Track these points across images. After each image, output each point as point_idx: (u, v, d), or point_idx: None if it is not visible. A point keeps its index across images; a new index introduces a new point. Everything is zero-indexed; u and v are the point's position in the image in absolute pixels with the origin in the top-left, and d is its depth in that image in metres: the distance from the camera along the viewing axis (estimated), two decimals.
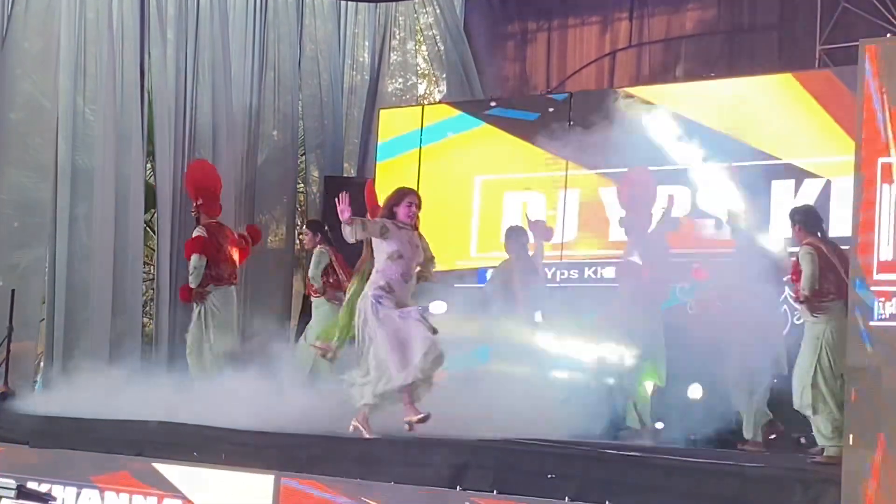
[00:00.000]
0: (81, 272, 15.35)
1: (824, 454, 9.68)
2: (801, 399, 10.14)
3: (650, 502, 8.73)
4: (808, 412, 10.06)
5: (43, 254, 15.51)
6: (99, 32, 15.91)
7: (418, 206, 10.93)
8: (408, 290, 10.78)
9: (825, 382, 10.01)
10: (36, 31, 15.62)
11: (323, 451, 10.26)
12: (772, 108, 12.98)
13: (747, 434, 11.72)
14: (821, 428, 9.97)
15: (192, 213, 13.60)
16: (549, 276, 14.08)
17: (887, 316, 7.93)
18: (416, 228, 10.99)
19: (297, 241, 13.36)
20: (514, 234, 13.35)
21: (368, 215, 13.11)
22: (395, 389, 10.35)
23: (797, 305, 10.56)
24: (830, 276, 10.30)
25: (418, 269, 10.97)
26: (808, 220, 10.85)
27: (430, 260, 11.12)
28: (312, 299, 13.70)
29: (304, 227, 13.93)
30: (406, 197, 11.01)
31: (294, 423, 10.87)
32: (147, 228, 16.13)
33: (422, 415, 10.22)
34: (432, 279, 11.32)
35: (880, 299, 8.02)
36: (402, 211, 10.88)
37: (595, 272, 14.35)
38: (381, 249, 10.75)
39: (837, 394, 9.82)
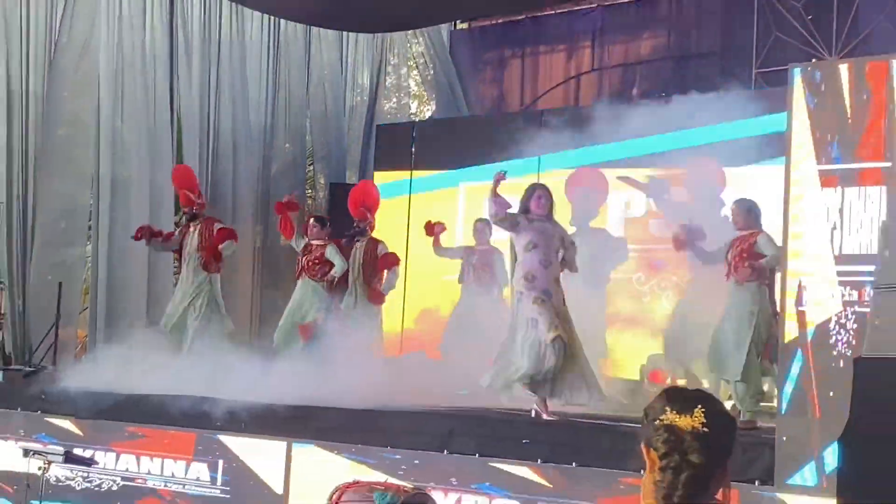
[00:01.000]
0: (119, 268, 15.34)
1: (741, 419, 9.61)
2: (731, 367, 10.09)
3: (609, 464, 8.74)
4: (737, 378, 9.98)
5: (85, 252, 15.49)
6: (134, 60, 15.90)
7: (548, 198, 10.71)
8: (549, 275, 10.45)
9: (756, 355, 9.99)
10: (79, 58, 15.58)
11: (335, 421, 10.26)
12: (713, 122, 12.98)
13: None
14: (740, 394, 9.95)
15: (195, 210, 13.45)
16: None
17: (812, 301, 7.95)
18: (550, 218, 10.76)
19: (303, 235, 13.16)
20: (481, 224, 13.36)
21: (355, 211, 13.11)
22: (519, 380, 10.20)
23: (736, 277, 10.32)
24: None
25: (562, 254, 10.74)
26: (753, 213, 10.82)
27: (570, 245, 10.78)
28: (299, 280, 13.46)
29: (313, 220, 13.76)
30: (536, 191, 10.81)
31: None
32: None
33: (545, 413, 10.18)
34: (574, 267, 10.87)
35: (805, 286, 8.03)
36: (533, 204, 10.68)
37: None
38: (518, 243, 10.59)
39: (758, 366, 9.96)
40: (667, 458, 2.88)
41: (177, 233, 13.53)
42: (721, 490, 2.94)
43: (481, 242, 13.37)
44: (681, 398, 2.94)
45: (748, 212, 10.72)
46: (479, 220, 13.24)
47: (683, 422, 2.87)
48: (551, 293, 10.38)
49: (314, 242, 13.25)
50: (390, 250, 13.34)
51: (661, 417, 2.92)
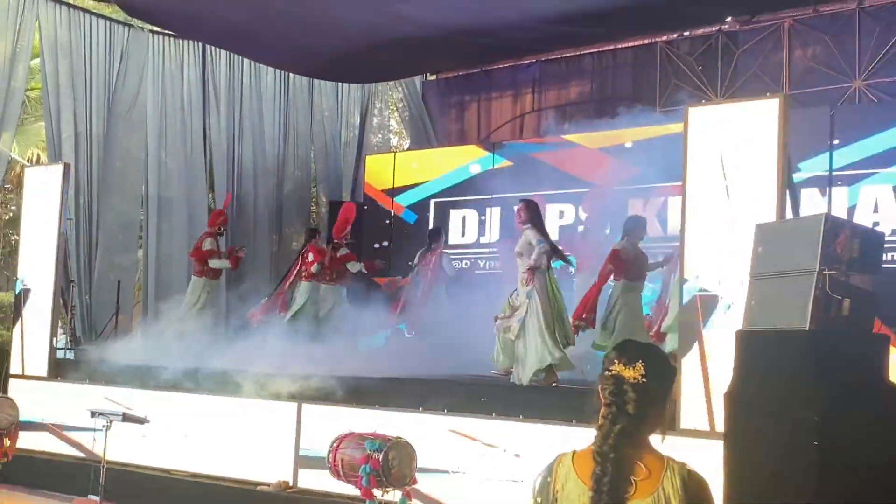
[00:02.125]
0: (164, 269, 15.36)
1: None
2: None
3: (546, 415, 8.76)
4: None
5: (137, 257, 15.49)
6: (174, 106, 15.93)
7: (523, 210, 10.35)
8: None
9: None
10: (131, 105, 15.61)
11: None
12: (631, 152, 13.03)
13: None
14: None
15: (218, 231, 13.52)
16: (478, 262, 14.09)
17: (704, 286, 8.03)
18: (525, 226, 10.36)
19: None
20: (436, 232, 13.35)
21: (339, 228, 13.10)
22: None
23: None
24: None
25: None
26: (638, 227, 10.83)
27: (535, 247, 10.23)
28: (301, 282, 13.38)
29: (307, 231, 13.83)
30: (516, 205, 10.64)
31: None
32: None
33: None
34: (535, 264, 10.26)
35: (699, 276, 8.10)
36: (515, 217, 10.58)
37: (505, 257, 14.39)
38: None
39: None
40: (608, 408, 2.85)
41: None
42: (656, 429, 2.89)
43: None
44: (630, 351, 2.90)
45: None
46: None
47: (627, 373, 2.84)
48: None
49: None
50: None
51: (611, 368, 2.89)
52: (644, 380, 2.83)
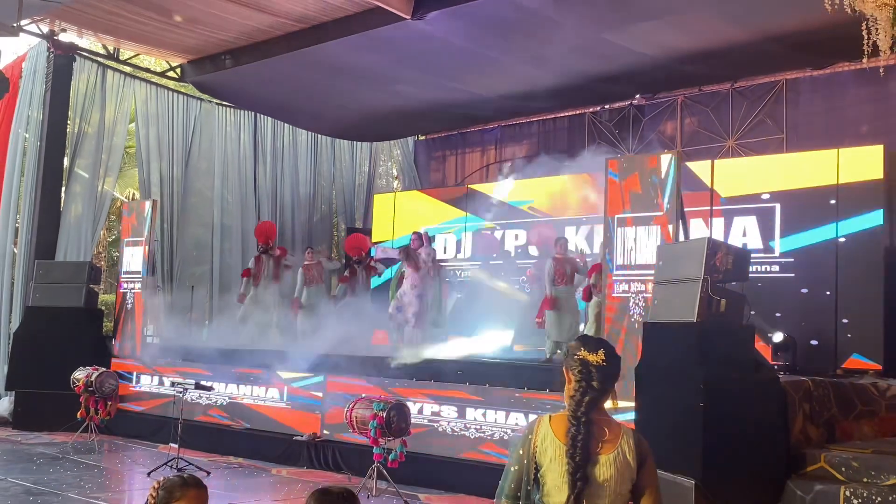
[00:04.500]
0: (227, 279, 15.24)
1: None
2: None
3: (510, 384, 8.73)
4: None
5: (208, 268, 15.41)
6: (233, 157, 15.84)
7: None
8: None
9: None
10: (202, 157, 15.55)
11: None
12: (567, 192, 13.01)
13: None
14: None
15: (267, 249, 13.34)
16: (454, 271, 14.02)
17: (620, 291, 8.02)
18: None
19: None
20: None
21: (354, 251, 13.00)
22: None
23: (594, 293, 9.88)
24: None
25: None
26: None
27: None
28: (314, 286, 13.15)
29: (309, 247, 13.76)
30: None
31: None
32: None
33: None
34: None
35: (615, 282, 8.09)
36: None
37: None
38: None
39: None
40: (579, 383, 2.81)
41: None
42: (611, 399, 2.86)
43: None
44: (590, 343, 2.87)
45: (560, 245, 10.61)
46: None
47: (592, 357, 2.82)
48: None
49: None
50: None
51: (577, 353, 2.84)
52: (605, 362, 2.81)
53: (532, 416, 7.49)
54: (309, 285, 13.04)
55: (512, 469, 2.86)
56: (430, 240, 12.16)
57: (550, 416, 2.88)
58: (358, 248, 13.14)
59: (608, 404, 2.87)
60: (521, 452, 2.85)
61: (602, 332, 8.54)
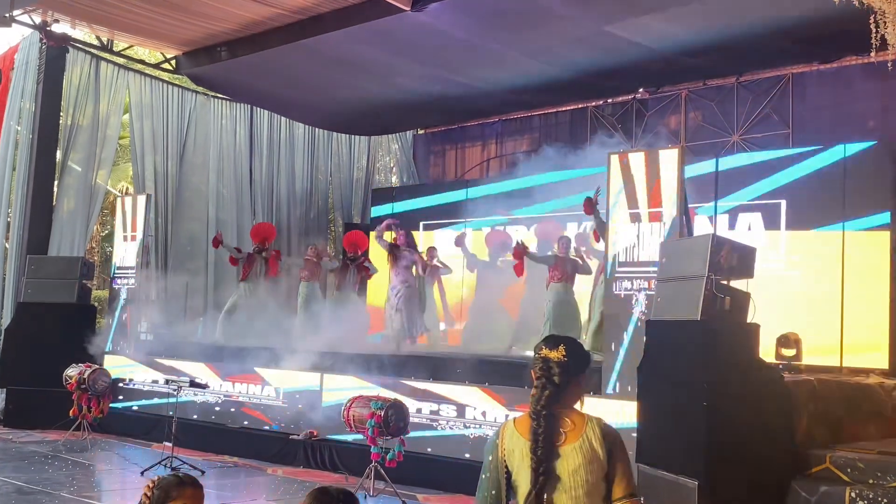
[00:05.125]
0: (221, 274, 15.22)
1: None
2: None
3: (510, 383, 8.77)
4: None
5: (202, 264, 15.40)
6: (229, 152, 15.84)
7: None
8: None
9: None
10: (197, 151, 15.55)
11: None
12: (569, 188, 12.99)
13: None
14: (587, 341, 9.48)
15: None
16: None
17: (623, 288, 8.03)
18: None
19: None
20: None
21: (348, 250, 12.92)
22: None
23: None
24: None
25: None
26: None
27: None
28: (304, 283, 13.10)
29: (310, 246, 13.68)
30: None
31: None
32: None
33: None
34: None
35: (618, 279, 8.10)
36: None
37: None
38: None
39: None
40: (539, 380, 2.86)
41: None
42: (577, 397, 2.90)
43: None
44: (552, 340, 2.92)
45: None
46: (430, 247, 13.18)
47: (552, 354, 2.86)
48: None
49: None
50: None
51: (539, 352, 2.90)
52: (565, 358, 2.84)
53: None
54: (306, 281, 13.01)
55: (483, 477, 2.90)
56: (409, 238, 12.01)
57: (515, 419, 2.93)
58: (354, 245, 13.08)
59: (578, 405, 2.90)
60: (489, 459, 2.89)
61: (603, 326, 8.59)
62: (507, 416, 8.39)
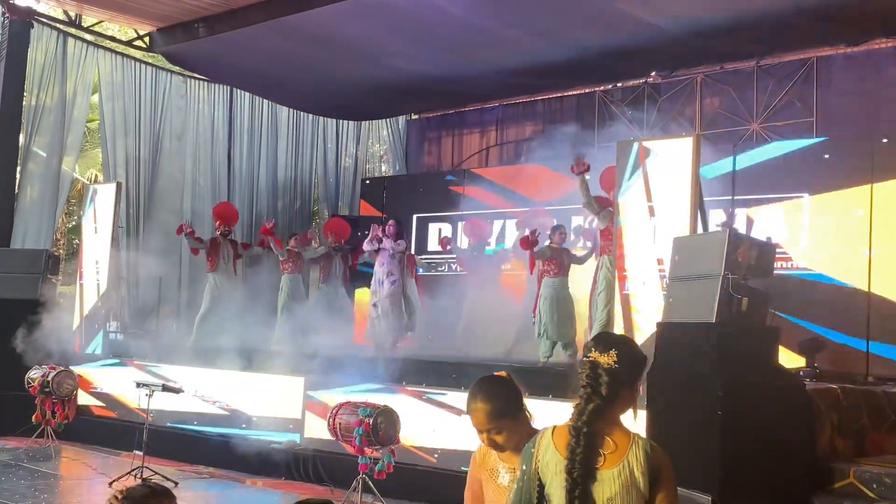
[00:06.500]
0: (196, 269, 15.15)
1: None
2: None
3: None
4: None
5: (177, 258, 15.37)
6: (206, 138, 15.91)
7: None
8: None
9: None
10: (172, 137, 15.57)
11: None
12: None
13: None
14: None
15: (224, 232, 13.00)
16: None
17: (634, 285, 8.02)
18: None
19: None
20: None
21: (332, 238, 12.83)
22: None
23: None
24: None
25: None
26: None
27: None
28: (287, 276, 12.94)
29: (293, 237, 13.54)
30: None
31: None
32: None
33: None
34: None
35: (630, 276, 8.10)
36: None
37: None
38: None
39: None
40: (584, 388, 2.75)
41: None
42: (628, 409, 2.80)
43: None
44: (604, 341, 2.80)
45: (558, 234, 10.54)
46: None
47: (602, 359, 2.74)
48: None
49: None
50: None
51: (588, 355, 2.79)
52: (616, 365, 2.73)
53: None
54: (289, 274, 12.88)
55: (517, 486, 2.83)
56: (400, 231, 11.92)
57: (555, 427, 2.83)
58: (337, 234, 12.98)
59: (629, 415, 2.80)
60: (524, 468, 2.82)
61: (613, 301, 8.59)
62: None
